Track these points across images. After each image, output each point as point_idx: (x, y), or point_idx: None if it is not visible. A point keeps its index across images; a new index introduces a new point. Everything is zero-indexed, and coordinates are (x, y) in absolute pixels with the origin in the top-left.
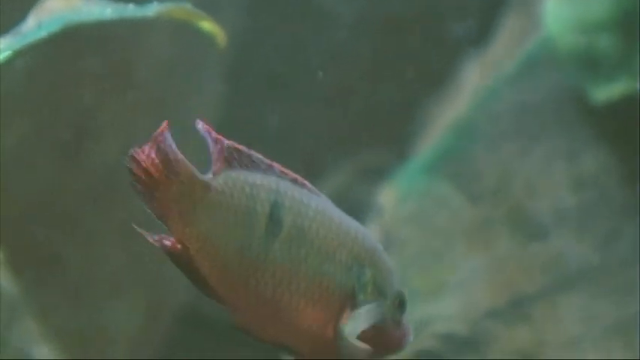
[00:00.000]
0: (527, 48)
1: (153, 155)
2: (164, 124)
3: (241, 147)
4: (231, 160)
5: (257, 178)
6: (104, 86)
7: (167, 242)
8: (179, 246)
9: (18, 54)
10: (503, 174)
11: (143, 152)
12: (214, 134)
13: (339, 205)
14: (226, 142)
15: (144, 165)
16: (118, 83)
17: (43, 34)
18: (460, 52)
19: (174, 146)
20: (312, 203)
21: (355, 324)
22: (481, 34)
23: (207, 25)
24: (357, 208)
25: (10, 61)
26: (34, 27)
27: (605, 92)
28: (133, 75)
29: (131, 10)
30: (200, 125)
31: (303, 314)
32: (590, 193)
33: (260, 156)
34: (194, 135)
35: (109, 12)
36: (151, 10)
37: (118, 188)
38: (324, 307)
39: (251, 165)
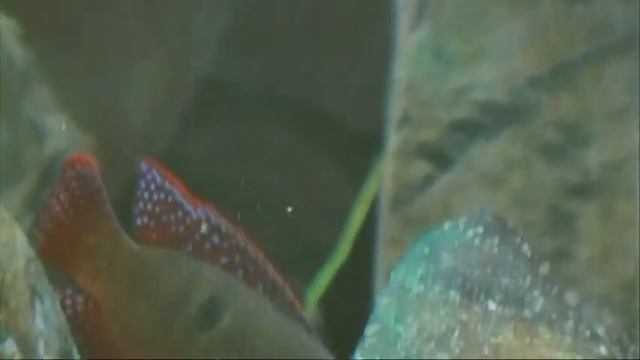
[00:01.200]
0: None
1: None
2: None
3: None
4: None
5: (204, 266)
6: None
7: (78, 299)
8: (90, 305)
9: None
10: None
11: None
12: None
13: None
14: (199, 210)
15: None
16: None
17: None
18: None
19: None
20: (260, 310)
21: None
22: None
23: None
24: None
25: None
26: None
27: None
28: None
29: None
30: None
31: None
32: None
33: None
34: None
35: None
36: None
37: None
38: None
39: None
